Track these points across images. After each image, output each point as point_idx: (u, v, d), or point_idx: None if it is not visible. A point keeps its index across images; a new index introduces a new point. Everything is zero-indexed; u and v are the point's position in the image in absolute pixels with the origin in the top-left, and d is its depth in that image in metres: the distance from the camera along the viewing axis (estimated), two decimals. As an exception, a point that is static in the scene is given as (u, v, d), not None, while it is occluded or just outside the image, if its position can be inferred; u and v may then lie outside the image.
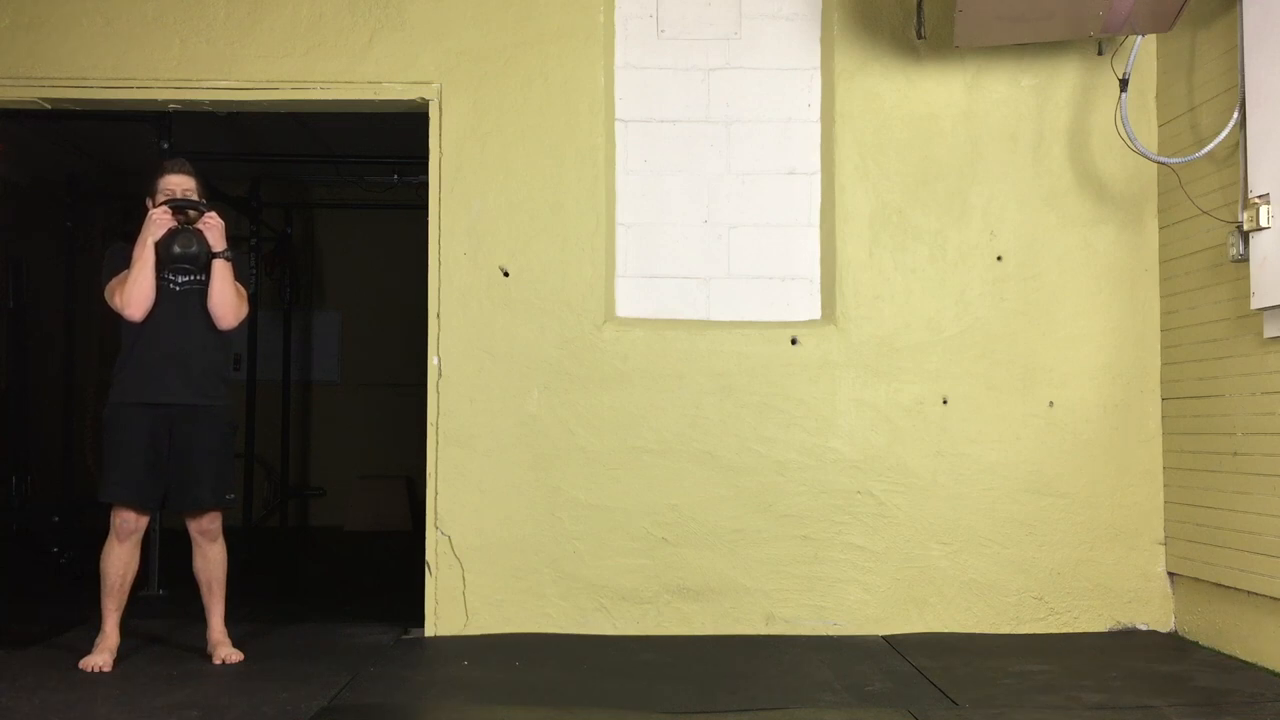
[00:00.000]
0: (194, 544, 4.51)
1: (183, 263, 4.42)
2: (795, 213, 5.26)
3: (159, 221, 4.40)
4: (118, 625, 4.41)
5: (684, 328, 5.15)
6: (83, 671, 4.25)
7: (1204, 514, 4.79)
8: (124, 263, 4.44)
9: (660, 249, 5.24)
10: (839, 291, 5.13)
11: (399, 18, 5.15)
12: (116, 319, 4.45)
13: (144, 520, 4.42)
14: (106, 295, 4.43)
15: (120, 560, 4.37)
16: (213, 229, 4.48)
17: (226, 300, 4.47)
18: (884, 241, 5.15)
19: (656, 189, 5.25)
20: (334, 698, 3.92)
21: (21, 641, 4.79)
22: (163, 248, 4.39)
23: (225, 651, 4.47)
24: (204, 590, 4.54)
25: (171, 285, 4.43)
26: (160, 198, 4.48)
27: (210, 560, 4.52)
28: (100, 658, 4.31)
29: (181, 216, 4.45)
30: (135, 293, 4.34)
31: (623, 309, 5.22)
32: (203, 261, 4.44)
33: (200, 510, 4.47)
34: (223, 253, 4.47)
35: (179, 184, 4.50)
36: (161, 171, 4.56)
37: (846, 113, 5.17)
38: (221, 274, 4.46)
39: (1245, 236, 4.45)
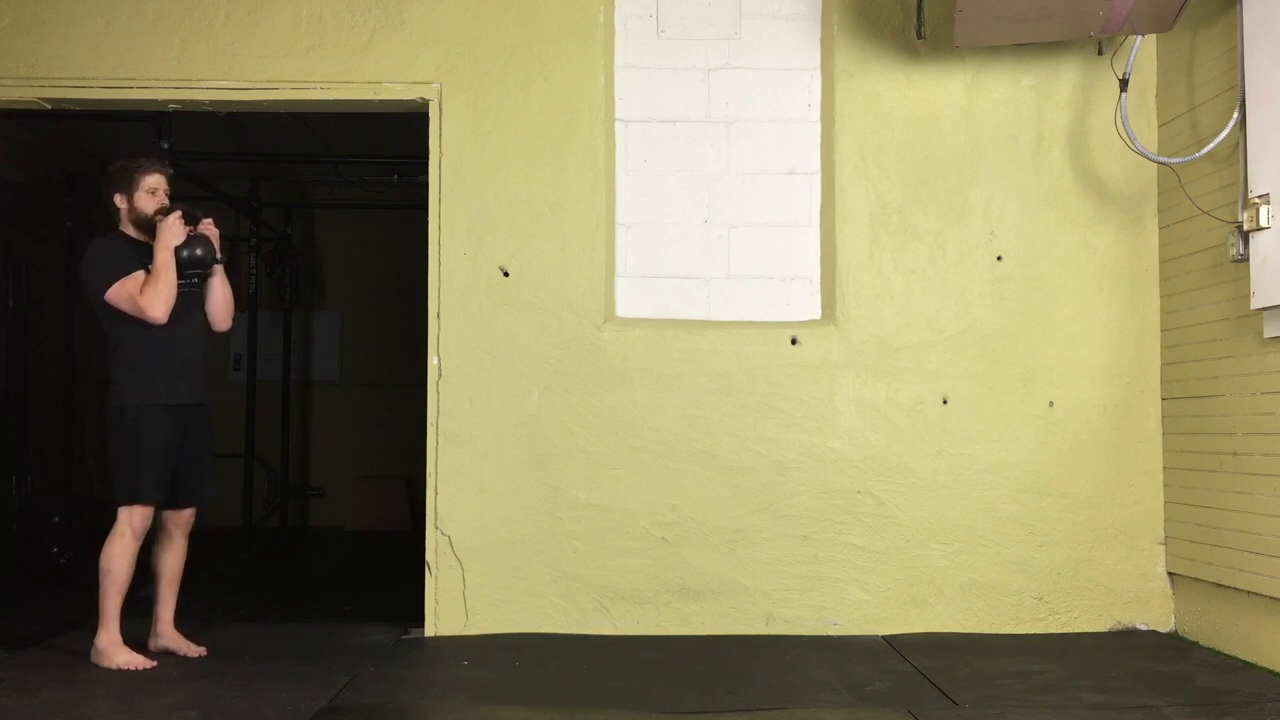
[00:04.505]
0: (169, 539, 4.58)
1: (198, 268, 4.53)
2: (795, 213, 5.26)
3: (176, 228, 4.46)
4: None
5: (684, 328, 5.15)
6: (83, 672, 4.26)
7: (1204, 514, 4.79)
8: (122, 260, 4.45)
9: (660, 249, 5.24)
10: (839, 291, 5.13)
11: (399, 18, 5.14)
12: (118, 317, 4.41)
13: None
14: (118, 295, 4.38)
15: (132, 557, 4.42)
16: (214, 236, 4.61)
17: (229, 306, 4.69)
18: (884, 241, 5.15)
19: (656, 189, 5.25)
20: (334, 698, 3.92)
21: (22, 642, 4.79)
22: (180, 253, 4.46)
23: (186, 645, 4.54)
24: (165, 584, 4.59)
25: None
26: (142, 194, 4.52)
27: (181, 556, 4.63)
28: (136, 655, 4.36)
29: (191, 223, 4.54)
30: (168, 295, 4.40)
31: (623, 309, 5.22)
32: (210, 268, 4.59)
33: (201, 503, 4.61)
34: (222, 259, 4.64)
35: (162, 183, 4.58)
36: (141, 169, 4.54)
37: (846, 113, 5.17)
38: (224, 280, 4.66)
39: (1245, 236, 4.44)
